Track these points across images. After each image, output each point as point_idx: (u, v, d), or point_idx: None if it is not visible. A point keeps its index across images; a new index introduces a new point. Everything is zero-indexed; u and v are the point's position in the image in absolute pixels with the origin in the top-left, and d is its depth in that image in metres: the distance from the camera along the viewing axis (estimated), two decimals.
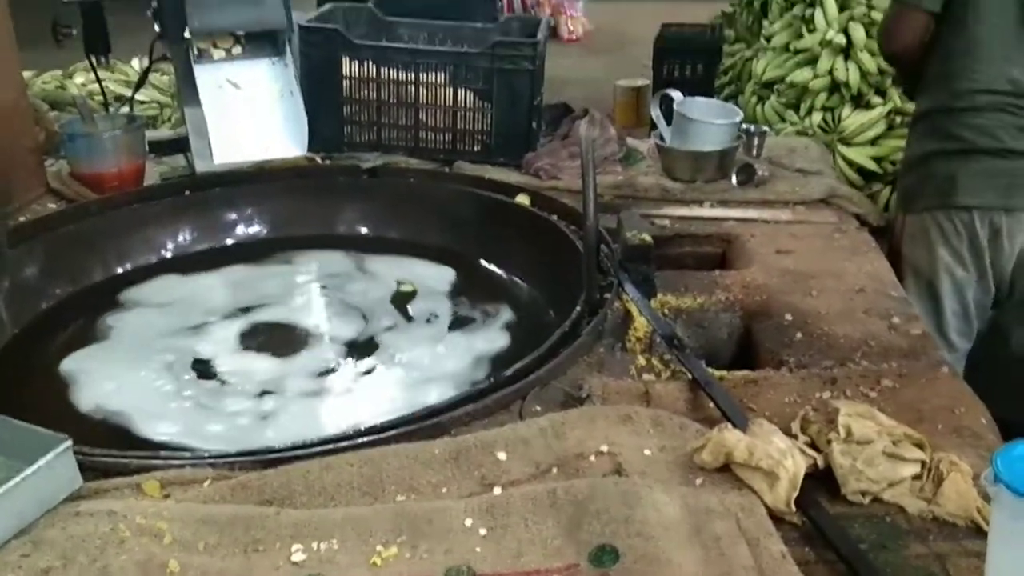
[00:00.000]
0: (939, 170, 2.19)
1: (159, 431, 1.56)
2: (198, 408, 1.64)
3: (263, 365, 1.77)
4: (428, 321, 1.94)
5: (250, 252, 2.21)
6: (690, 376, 1.50)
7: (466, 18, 2.81)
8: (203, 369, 1.76)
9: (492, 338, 1.86)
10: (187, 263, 2.16)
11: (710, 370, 1.51)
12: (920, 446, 1.26)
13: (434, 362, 1.78)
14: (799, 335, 1.68)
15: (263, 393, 1.68)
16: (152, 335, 1.87)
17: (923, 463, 1.25)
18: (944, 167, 2.18)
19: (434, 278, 2.10)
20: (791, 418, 1.37)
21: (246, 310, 1.97)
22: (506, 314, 1.94)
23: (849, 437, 1.26)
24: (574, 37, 8.18)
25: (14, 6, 2.20)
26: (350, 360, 1.80)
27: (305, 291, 2.07)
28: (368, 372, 1.76)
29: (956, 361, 2.18)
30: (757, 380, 1.50)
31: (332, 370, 1.76)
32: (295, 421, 1.59)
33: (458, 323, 1.92)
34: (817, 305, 1.77)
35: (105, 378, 1.72)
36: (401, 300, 2.02)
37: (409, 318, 1.95)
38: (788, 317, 1.73)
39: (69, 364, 1.77)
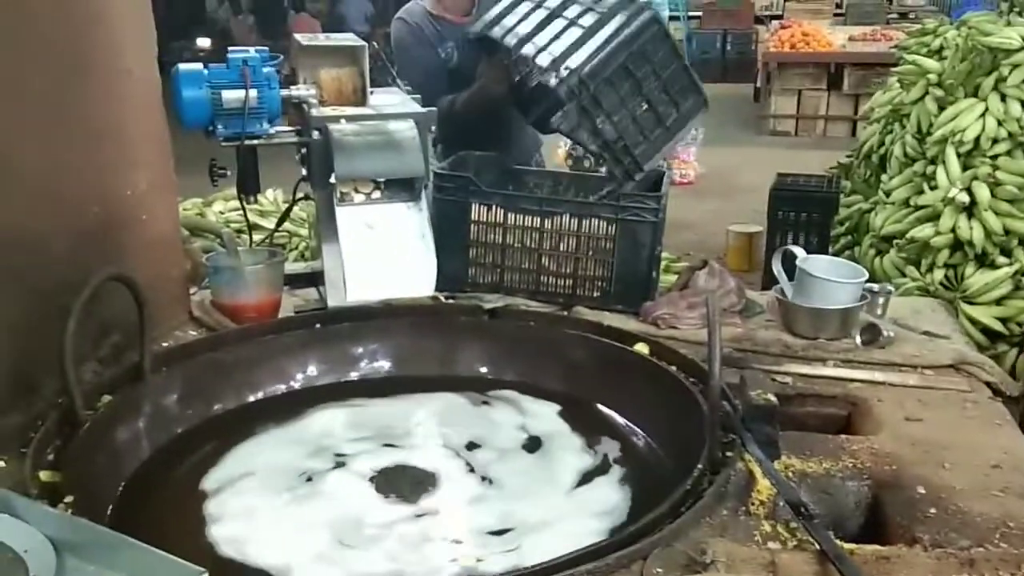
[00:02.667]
0: None
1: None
2: (323, 551, 1.66)
3: (386, 508, 1.79)
4: (545, 468, 1.93)
5: (373, 388, 2.26)
6: (818, 547, 1.45)
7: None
8: (323, 506, 1.79)
9: (610, 489, 1.84)
10: (314, 395, 2.22)
11: (839, 543, 1.46)
12: None
13: (551, 512, 1.77)
14: (933, 510, 1.62)
15: (382, 538, 1.69)
16: (280, 469, 1.92)
17: None
18: None
19: (552, 422, 2.11)
20: None
21: (372, 450, 2.00)
22: (623, 464, 1.93)
23: None
24: (685, 181, 8.31)
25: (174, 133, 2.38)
26: (466, 506, 1.80)
27: (428, 433, 2.09)
28: (486, 519, 1.76)
29: None
30: (889, 557, 1.45)
31: (449, 515, 1.77)
32: (418, 569, 1.60)
33: (576, 473, 1.91)
34: (951, 479, 1.71)
35: (234, 507, 1.77)
36: (520, 446, 2.03)
37: (526, 465, 1.95)
38: (921, 490, 1.67)
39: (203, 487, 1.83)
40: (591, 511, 1.77)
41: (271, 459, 1.96)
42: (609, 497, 1.82)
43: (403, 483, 1.87)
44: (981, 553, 1.47)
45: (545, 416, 2.14)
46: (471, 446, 2.02)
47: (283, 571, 1.58)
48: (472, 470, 1.92)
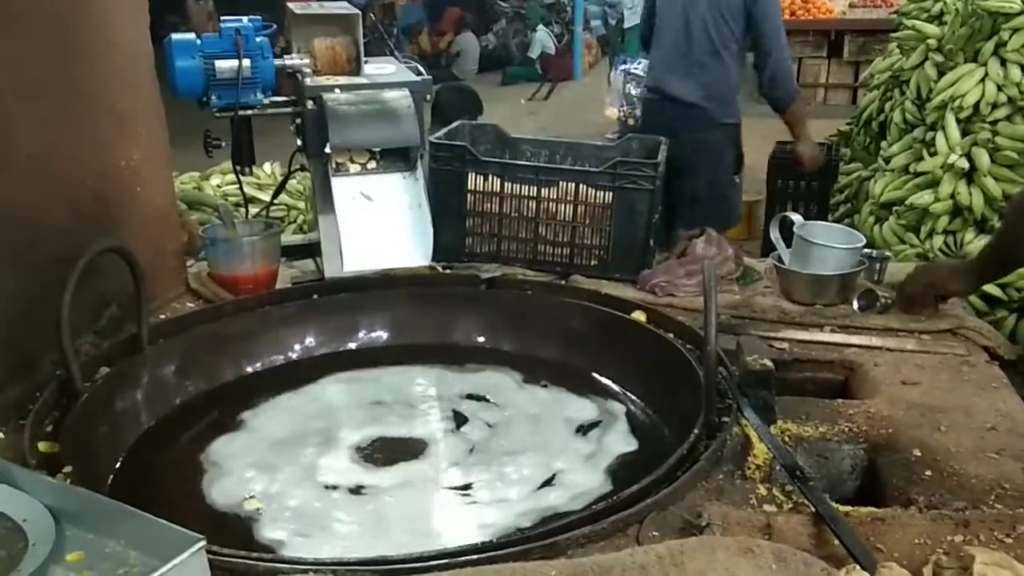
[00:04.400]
0: None
1: (282, 532, 1.60)
2: (321, 513, 1.67)
3: (381, 475, 1.80)
4: (542, 433, 1.94)
5: (371, 357, 2.27)
6: (814, 510, 1.46)
7: None
8: (326, 475, 1.80)
9: (608, 455, 1.85)
10: (312, 365, 2.23)
11: (835, 505, 1.47)
12: None
13: (549, 477, 1.78)
14: (928, 472, 1.62)
15: (378, 500, 1.71)
16: (278, 437, 1.93)
17: None
18: None
19: (548, 392, 2.12)
20: (921, 561, 1.33)
21: (368, 419, 2.01)
22: (621, 430, 1.94)
23: None
24: None
25: (168, 109, 2.38)
26: (465, 471, 1.81)
27: (424, 401, 2.10)
28: (485, 484, 1.77)
29: None
30: (884, 518, 1.45)
31: (450, 480, 1.78)
32: (413, 530, 1.61)
33: (573, 437, 1.92)
34: (946, 442, 1.71)
35: (235, 475, 1.78)
36: (513, 413, 2.03)
37: (523, 430, 1.96)
38: (916, 453, 1.68)
39: (202, 457, 1.84)
40: (591, 472, 1.78)
41: (270, 430, 1.96)
42: (609, 460, 1.83)
43: (400, 452, 1.88)
44: (976, 514, 1.48)
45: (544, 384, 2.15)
46: (464, 417, 2.03)
47: (281, 541, 1.59)
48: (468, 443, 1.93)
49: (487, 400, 2.09)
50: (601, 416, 2.01)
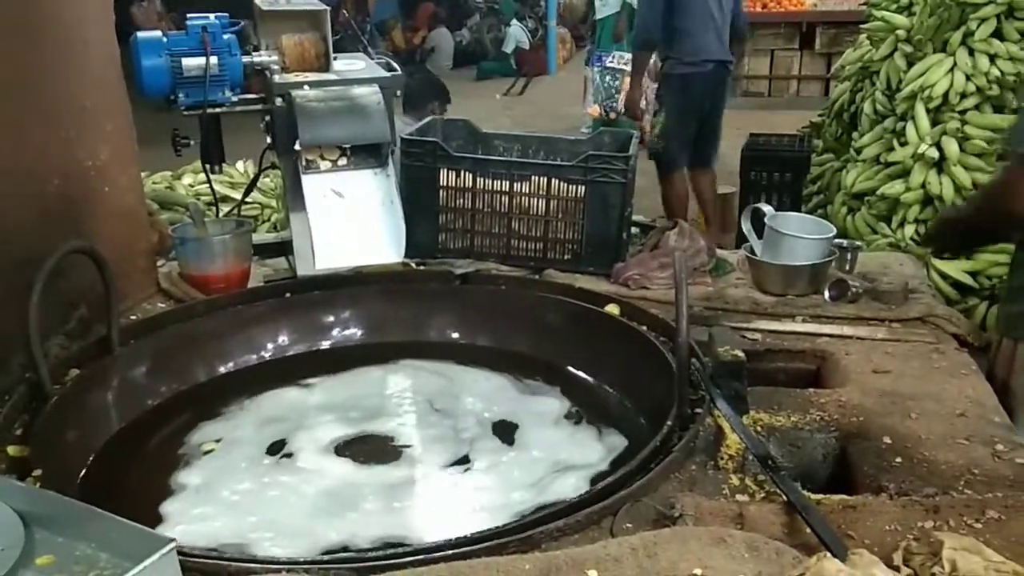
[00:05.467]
0: None
1: (259, 535, 1.59)
2: (290, 508, 1.67)
3: (354, 471, 1.80)
4: (518, 429, 1.94)
5: (345, 355, 2.26)
6: (785, 499, 1.47)
7: None
8: (298, 474, 1.79)
9: (582, 449, 1.85)
10: (285, 365, 2.22)
11: (806, 493, 1.48)
12: None
13: (524, 471, 1.78)
14: (898, 459, 1.64)
15: (353, 499, 1.70)
16: (248, 439, 1.92)
17: None
18: None
19: (523, 387, 2.12)
20: (892, 548, 1.34)
21: (341, 417, 2.00)
22: (595, 424, 1.94)
23: (955, 572, 1.22)
24: None
25: (135, 109, 2.36)
26: (440, 467, 1.81)
27: (398, 398, 2.10)
28: (459, 480, 1.77)
29: None
30: (856, 506, 1.47)
31: (423, 477, 1.78)
32: (389, 527, 1.61)
33: (545, 433, 1.92)
34: (917, 429, 1.73)
35: (204, 479, 1.77)
36: (490, 408, 2.03)
37: (500, 427, 1.96)
38: (887, 440, 1.70)
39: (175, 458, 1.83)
40: (565, 467, 1.78)
41: (241, 431, 1.95)
42: (582, 454, 1.83)
43: (379, 452, 1.87)
44: (946, 500, 1.49)
45: (517, 384, 2.14)
46: (439, 414, 2.02)
47: (250, 541, 1.58)
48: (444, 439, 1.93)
49: (461, 396, 2.08)
50: (575, 409, 2.00)
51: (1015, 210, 1.97)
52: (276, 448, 1.89)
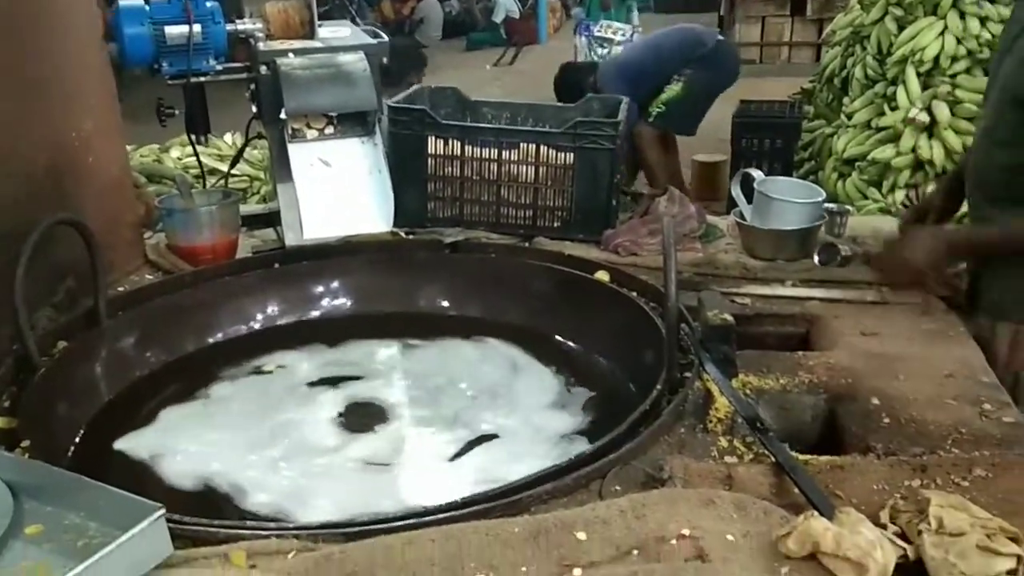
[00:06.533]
0: None
1: (249, 501, 1.60)
2: (285, 478, 1.67)
3: (344, 439, 1.80)
4: (507, 396, 1.95)
5: (334, 325, 2.26)
6: (774, 460, 1.48)
7: None
8: (291, 440, 1.79)
9: (572, 414, 1.86)
10: (274, 335, 2.21)
11: (794, 454, 1.48)
12: (1016, 540, 1.22)
13: (514, 438, 1.78)
14: (886, 420, 1.64)
15: (344, 465, 1.70)
16: (241, 405, 1.92)
17: (1019, 558, 1.20)
18: None
19: (513, 355, 2.12)
20: (879, 507, 1.34)
21: (333, 384, 2.00)
22: (585, 390, 1.94)
23: (941, 529, 1.23)
24: None
25: (122, 83, 2.34)
26: (431, 435, 1.81)
27: (388, 364, 2.10)
28: (450, 447, 1.77)
29: None
30: (843, 466, 1.47)
31: (414, 444, 1.78)
32: (378, 495, 1.61)
33: (536, 400, 1.93)
34: (905, 390, 1.73)
35: (195, 444, 1.77)
36: (481, 376, 2.03)
37: (487, 391, 1.96)
38: (875, 401, 1.70)
39: (160, 429, 1.83)
40: (553, 434, 1.79)
41: (232, 400, 1.95)
42: (572, 420, 1.84)
43: (367, 418, 1.87)
44: (933, 459, 1.50)
45: (507, 350, 2.14)
46: (430, 382, 2.02)
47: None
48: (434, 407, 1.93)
49: (450, 364, 2.08)
50: (565, 376, 2.01)
51: None
52: (273, 416, 1.89)
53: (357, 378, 2.03)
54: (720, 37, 5.49)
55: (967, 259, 2.15)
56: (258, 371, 2.07)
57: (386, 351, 2.16)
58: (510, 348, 2.14)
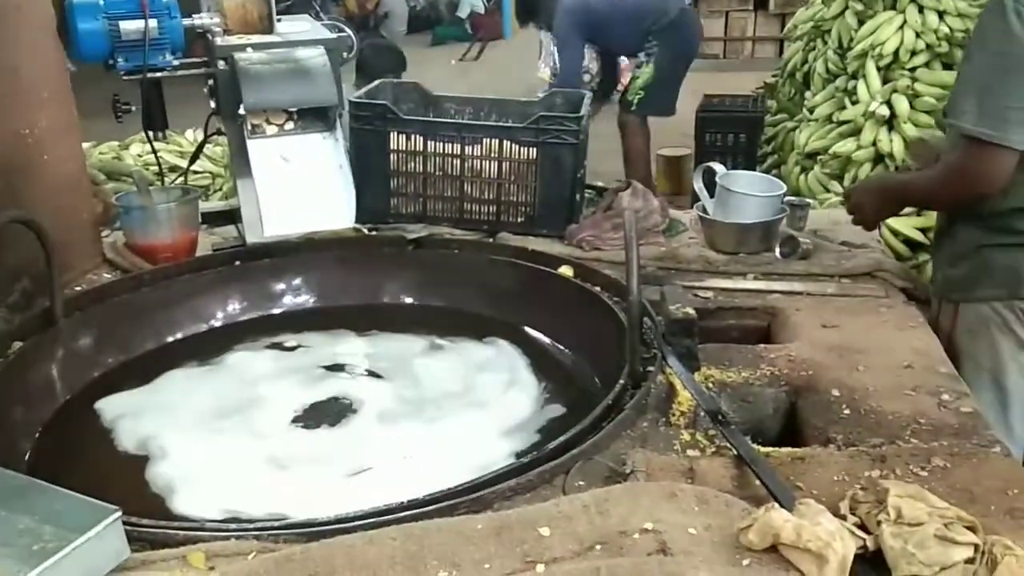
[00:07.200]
0: (998, 262, 2.09)
1: (204, 499, 1.57)
2: (245, 477, 1.65)
3: (307, 436, 1.79)
4: (469, 391, 1.94)
5: (297, 321, 2.24)
6: (735, 453, 1.48)
7: None
8: (250, 438, 1.78)
9: (535, 409, 1.86)
10: (236, 332, 2.19)
11: (756, 447, 1.49)
12: (973, 529, 1.23)
13: (477, 432, 1.78)
14: (846, 411, 1.66)
15: (303, 463, 1.69)
16: (200, 403, 1.90)
17: (976, 547, 1.21)
18: (1004, 259, 2.09)
19: (475, 350, 2.11)
20: (839, 497, 1.35)
21: (294, 380, 1.98)
22: (549, 384, 1.94)
23: (900, 519, 1.24)
24: None
25: (77, 80, 2.30)
26: (391, 430, 1.80)
27: (351, 360, 2.08)
28: (412, 443, 1.76)
29: (1017, 448, 2.09)
30: (804, 457, 1.48)
31: (373, 441, 1.77)
32: (338, 493, 1.60)
33: (498, 394, 1.92)
34: (864, 381, 1.75)
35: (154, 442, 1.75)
36: (443, 371, 2.02)
37: (451, 386, 1.96)
38: (835, 393, 1.71)
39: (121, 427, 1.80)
40: (515, 429, 1.78)
41: (192, 397, 1.93)
42: (536, 415, 1.84)
43: (328, 414, 1.86)
44: (892, 449, 1.52)
45: (469, 344, 2.14)
46: (391, 374, 2.01)
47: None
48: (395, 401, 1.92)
49: (411, 360, 2.07)
50: (529, 370, 2.00)
51: (980, 192, 1.96)
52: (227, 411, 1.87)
53: (321, 374, 2.01)
54: (684, 5, 5.41)
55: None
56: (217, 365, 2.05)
57: (349, 347, 2.15)
58: (473, 343, 2.13)
